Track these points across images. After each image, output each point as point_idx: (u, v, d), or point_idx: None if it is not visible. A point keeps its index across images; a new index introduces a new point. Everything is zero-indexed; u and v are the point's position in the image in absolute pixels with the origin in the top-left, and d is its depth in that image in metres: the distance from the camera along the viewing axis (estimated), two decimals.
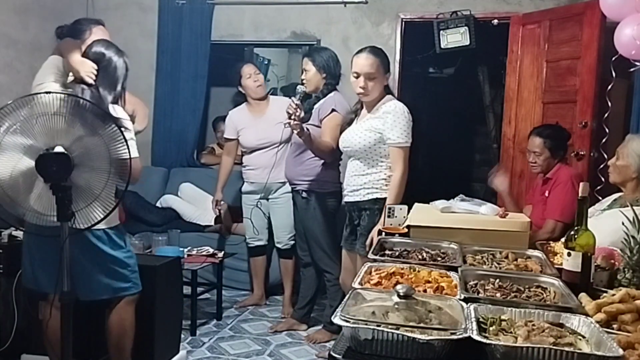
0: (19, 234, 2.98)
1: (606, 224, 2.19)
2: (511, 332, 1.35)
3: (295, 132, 3.15)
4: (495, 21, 4.57)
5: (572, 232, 1.82)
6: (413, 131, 2.90)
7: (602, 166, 3.57)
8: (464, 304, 1.47)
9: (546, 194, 3.32)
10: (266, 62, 6.43)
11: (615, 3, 3.45)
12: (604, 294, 1.63)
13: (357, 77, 2.88)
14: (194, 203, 4.87)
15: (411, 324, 1.35)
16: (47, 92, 2.18)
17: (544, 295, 1.65)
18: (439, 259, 2.03)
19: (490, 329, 1.36)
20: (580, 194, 1.84)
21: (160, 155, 5.29)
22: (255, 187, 4.07)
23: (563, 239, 1.99)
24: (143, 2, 5.26)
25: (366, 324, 1.33)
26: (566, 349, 1.23)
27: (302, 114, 3.21)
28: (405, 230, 2.36)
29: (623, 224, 1.88)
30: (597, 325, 1.36)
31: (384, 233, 2.40)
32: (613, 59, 3.61)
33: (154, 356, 2.89)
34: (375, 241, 2.54)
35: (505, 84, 4.61)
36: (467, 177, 7.02)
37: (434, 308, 1.45)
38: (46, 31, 3.16)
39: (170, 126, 5.24)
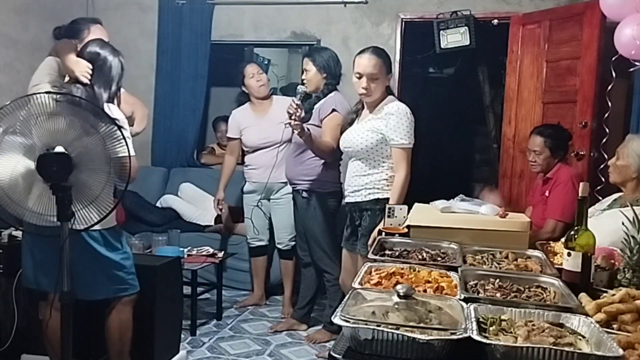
0: (19, 234, 2.98)
1: (606, 224, 2.19)
2: (511, 332, 1.34)
3: (295, 132, 3.15)
4: (495, 21, 4.57)
5: (572, 232, 1.82)
6: (414, 131, 2.90)
7: (602, 166, 3.57)
8: (464, 304, 1.47)
9: (546, 194, 3.32)
10: (266, 62, 6.43)
11: (615, 3, 3.45)
12: (604, 294, 1.63)
13: (359, 78, 2.87)
14: (194, 203, 4.87)
15: (411, 324, 1.35)
16: (45, 92, 2.18)
17: (544, 295, 1.65)
18: (439, 259, 2.03)
19: (490, 329, 1.36)
20: (580, 194, 1.84)
21: (160, 155, 5.29)
22: (257, 187, 4.07)
23: (563, 239, 1.99)
24: (143, 2, 5.26)
25: (366, 324, 1.33)
26: (566, 349, 1.23)
27: (303, 114, 3.21)
28: (405, 230, 2.36)
29: (623, 224, 1.88)
30: (597, 325, 1.36)
31: (384, 233, 2.41)
32: (613, 59, 3.61)
33: (154, 356, 2.89)
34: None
35: (505, 84, 4.61)
36: (467, 177, 7.02)
37: (434, 308, 1.45)
38: (46, 31, 3.16)
39: (170, 126, 5.24)
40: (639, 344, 1.31)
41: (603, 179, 3.47)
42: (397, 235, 2.32)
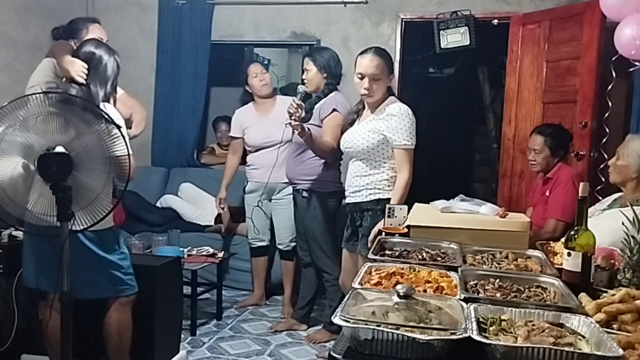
0: (19, 234, 2.98)
1: (606, 224, 2.19)
2: (511, 332, 1.34)
3: (296, 132, 3.15)
4: (495, 21, 4.57)
5: (572, 232, 1.82)
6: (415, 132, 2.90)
7: (602, 166, 3.57)
8: (464, 304, 1.47)
9: (547, 194, 3.33)
10: (266, 62, 6.43)
11: (615, 3, 3.45)
12: (604, 294, 1.63)
13: (361, 79, 2.86)
14: (194, 203, 4.87)
15: (411, 324, 1.35)
16: (41, 92, 2.18)
17: (544, 295, 1.65)
18: (439, 259, 2.03)
19: (490, 329, 1.36)
20: (580, 194, 1.84)
21: (160, 155, 5.29)
22: (258, 187, 4.07)
23: (563, 239, 1.99)
24: (143, 2, 5.26)
25: (366, 324, 1.33)
26: (566, 349, 1.23)
27: (303, 114, 3.20)
28: (405, 230, 2.36)
29: (623, 224, 1.88)
30: (597, 325, 1.36)
31: (384, 233, 2.41)
32: (613, 59, 3.61)
33: (154, 356, 2.89)
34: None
35: (505, 84, 4.61)
36: (467, 177, 7.03)
37: (434, 308, 1.45)
38: (46, 31, 3.16)
39: (170, 126, 5.24)
40: (639, 344, 1.31)
41: (603, 179, 3.47)
42: (397, 235, 2.32)
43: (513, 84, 4.47)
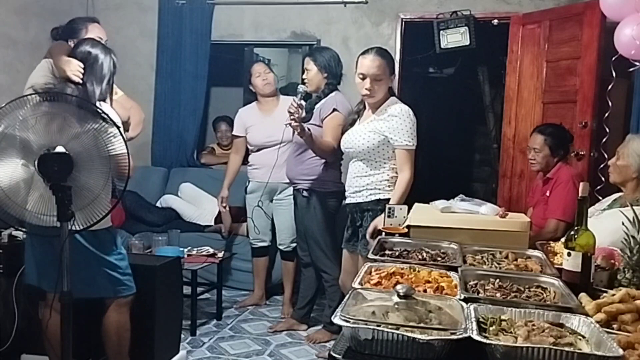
0: (19, 234, 2.98)
1: (606, 224, 2.19)
2: (511, 332, 1.34)
3: (295, 132, 3.15)
4: (495, 21, 4.57)
5: (572, 232, 1.82)
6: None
7: (602, 166, 3.57)
8: (464, 304, 1.47)
9: (547, 194, 3.32)
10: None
11: (615, 3, 3.45)
12: (604, 294, 1.63)
13: (363, 79, 2.86)
14: (194, 203, 4.87)
15: (411, 324, 1.35)
16: (37, 93, 2.18)
17: (544, 295, 1.65)
18: (439, 259, 2.03)
19: (490, 329, 1.36)
20: (580, 194, 1.84)
21: (160, 155, 5.29)
22: (259, 187, 4.07)
23: (563, 239, 1.99)
24: (143, 2, 5.26)
25: (366, 324, 1.33)
26: (566, 349, 1.23)
27: (304, 114, 3.20)
28: (405, 230, 2.36)
29: (623, 224, 1.88)
30: (597, 325, 1.36)
31: (384, 233, 2.41)
32: (613, 59, 3.60)
33: (154, 356, 2.89)
34: (376, 231, 2.54)
35: (505, 84, 4.61)
36: (467, 177, 7.03)
37: (434, 308, 1.45)
38: (46, 31, 3.16)
39: (170, 126, 5.24)
40: (639, 344, 1.31)
41: (603, 179, 3.47)
42: (397, 235, 2.32)
43: (513, 84, 4.47)
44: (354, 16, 4.87)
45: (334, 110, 3.39)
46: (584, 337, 1.34)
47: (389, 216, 2.49)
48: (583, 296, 1.61)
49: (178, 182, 5.02)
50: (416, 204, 2.55)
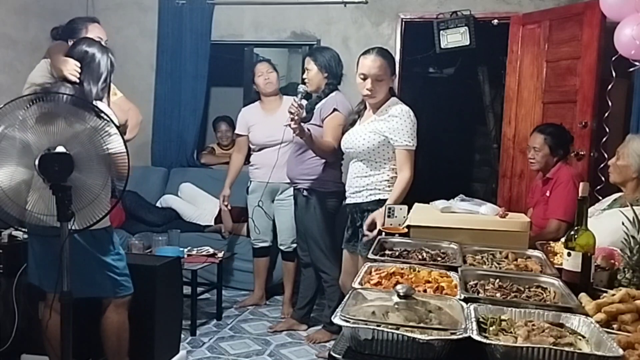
0: (19, 234, 2.98)
1: (606, 224, 2.19)
2: (511, 332, 1.34)
3: (295, 133, 3.15)
4: (495, 21, 4.57)
5: (572, 232, 1.82)
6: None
7: (602, 166, 3.57)
8: (464, 304, 1.47)
9: (547, 194, 3.32)
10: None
11: (615, 3, 3.45)
12: (604, 294, 1.63)
13: (364, 79, 2.85)
14: (194, 203, 4.87)
15: (411, 324, 1.35)
16: (35, 93, 2.19)
17: (544, 295, 1.65)
18: (439, 259, 2.03)
19: (490, 329, 1.36)
20: (580, 194, 1.84)
21: (160, 155, 5.29)
22: (260, 187, 4.06)
23: (563, 239, 1.99)
24: (143, 2, 5.27)
25: (366, 324, 1.33)
26: (566, 349, 1.23)
27: (304, 114, 3.20)
28: (405, 230, 2.36)
29: (623, 224, 1.88)
30: (597, 325, 1.36)
31: (384, 233, 2.40)
32: (613, 59, 3.60)
33: (154, 356, 2.89)
34: (378, 222, 2.54)
35: (505, 84, 4.61)
36: (467, 177, 7.03)
37: (434, 308, 1.45)
38: (46, 31, 3.17)
39: (170, 126, 5.25)
40: (639, 344, 1.31)
41: (603, 179, 3.47)
42: (397, 235, 2.32)
43: (513, 84, 4.47)
44: (354, 16, 4.87)
45: (335, 110, 3.39)
46: (584, 337, 1.34)
47: (389, 216, 2.49)
48: (583, 296, 1.61)
49: (178, 182, 5.02)
50: (416, 204, 2.55)
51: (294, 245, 3.98)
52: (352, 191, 2.99)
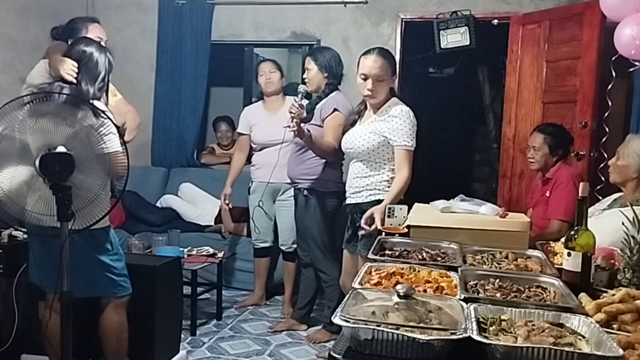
0: (19, 234, 2.98)
1: (606, 224, 2.18)
2: (511, 332, 1.34)
3: (294, 134, 3.14)
4: (495, 21, 4.57)
5: (572, 232, 1.82)
6: (415, 133, 2.89)
7: (602, 166, 3.57)
8: (464, 304, 1.47)
9: (547, 194, 3.32)
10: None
11: (615, 3, 3.45)
12: (604, 294, 1.63)
13: (365, 79, 2.84)
14: (194, 203, 4.87)
15: (411, 324, 1.35)
16: (33, 93, 2.19)
17: (544, 295, 1.65)
18: (439, 259, 2.03)
19: (490, 329, 1.36)
20: (580, 194, 1.84)
21: (160, 155, 5.29)
22: (260, 187, 4.06)
23: (563, 239, 1.99)
24: (143, 2, 5.27)
25: (366, 324, 1.33)
26: (566, 349, 1.23)
27: (305, 114, 3.20)
28: (405, 230, 2.36)
29: (623, 224, 1.88)
30: (597, 325, 1.36)
31: (384, 233, 2.40)
32: (613, 59, 3.60)
33: (153, 356, 2.89)
34: (376, 217, 2.54)
35: (505, 84, 4.61)
36: (467, 177, 7.03)
37: (434, 308, 1.45)
38: (46, 31, 3.17)
39: (170, 126, 5.25)
40: (639, 344, 1.31)
41: (603, 179, 3.47)
42: (397, 235, 2.32)
43: (513, 84, 4.47)
44: (354, 16, 4.87)
45: (335, 110, 3.39)
46: (584, 337, 1.34)
47: (389, 216, 2.49)
48: (583, 296, 1.61)
49: (178, 182, 5.02)
50: (416, 204, 2.55)
51: (295, 245, 3.98)
52: (352, 191, 2.99)
